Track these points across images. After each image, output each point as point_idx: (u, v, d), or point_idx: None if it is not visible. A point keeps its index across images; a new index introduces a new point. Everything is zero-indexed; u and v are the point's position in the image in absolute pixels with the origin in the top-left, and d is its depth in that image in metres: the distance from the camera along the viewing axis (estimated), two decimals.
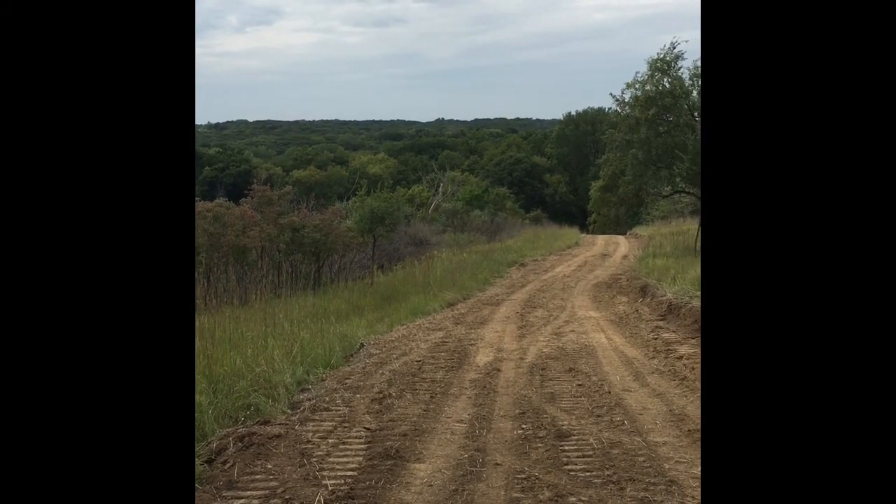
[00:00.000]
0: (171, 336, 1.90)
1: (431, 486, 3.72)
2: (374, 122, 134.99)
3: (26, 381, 1.76)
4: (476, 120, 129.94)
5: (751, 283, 1.74)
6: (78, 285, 1.83)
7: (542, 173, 59.43)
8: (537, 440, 4.45)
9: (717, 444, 1.74)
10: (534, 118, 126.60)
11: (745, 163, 1.76)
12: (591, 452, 4.20)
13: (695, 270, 10.60)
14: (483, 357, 7.16)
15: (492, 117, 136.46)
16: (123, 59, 1.88)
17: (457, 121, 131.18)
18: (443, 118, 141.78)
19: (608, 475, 3.81)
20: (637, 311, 10.22)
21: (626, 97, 16.54)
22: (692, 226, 19.41)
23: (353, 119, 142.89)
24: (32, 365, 1.76)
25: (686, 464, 3.98)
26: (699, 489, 3.61)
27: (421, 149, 73.83)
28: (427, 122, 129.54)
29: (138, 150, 1.89)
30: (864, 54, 1.66)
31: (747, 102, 1.77)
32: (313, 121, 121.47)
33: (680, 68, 15.89)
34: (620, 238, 27.82)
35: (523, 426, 4.74)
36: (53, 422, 1.77)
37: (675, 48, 15.78)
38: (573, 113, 64.50)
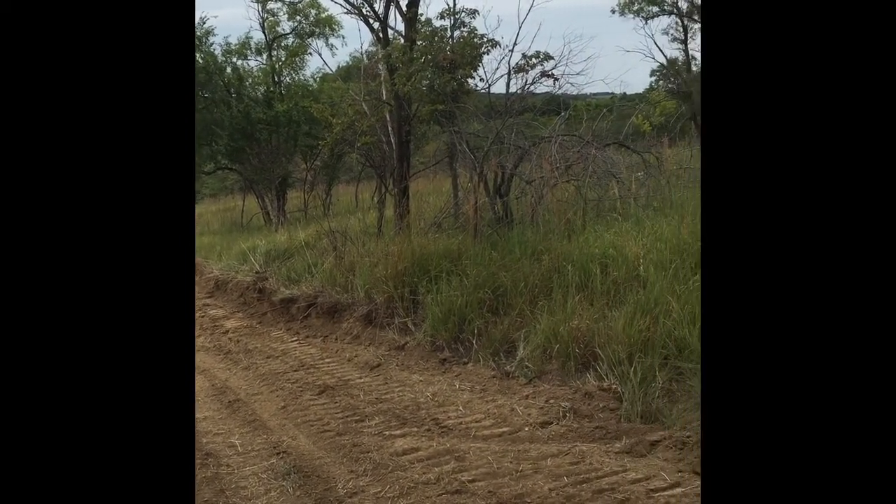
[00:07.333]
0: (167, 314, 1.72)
1: None
2: None
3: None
4: None
5: (751, 284, 1.70)
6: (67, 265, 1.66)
7: None
8: None
9: (717, 448, 1.69)
10: None
11: (745, 161, 1.73)
12: None
13: (239, 245, 10.77)
14: None
15: None
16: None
17: None
18: None
19: None
20: None
21: None
22: (240, 202, 19.62)
23: None
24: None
25: (224, 434, 4.08)
26: (234, 457, 3.73)
27: None
28: None
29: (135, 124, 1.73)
30: (865, 54, 1.68)
31: (747, 100, 1.74)
32: None
33: (212, 44, 15.80)
34: None
35: None
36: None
37: (205, 23, 15.61)
38: None
